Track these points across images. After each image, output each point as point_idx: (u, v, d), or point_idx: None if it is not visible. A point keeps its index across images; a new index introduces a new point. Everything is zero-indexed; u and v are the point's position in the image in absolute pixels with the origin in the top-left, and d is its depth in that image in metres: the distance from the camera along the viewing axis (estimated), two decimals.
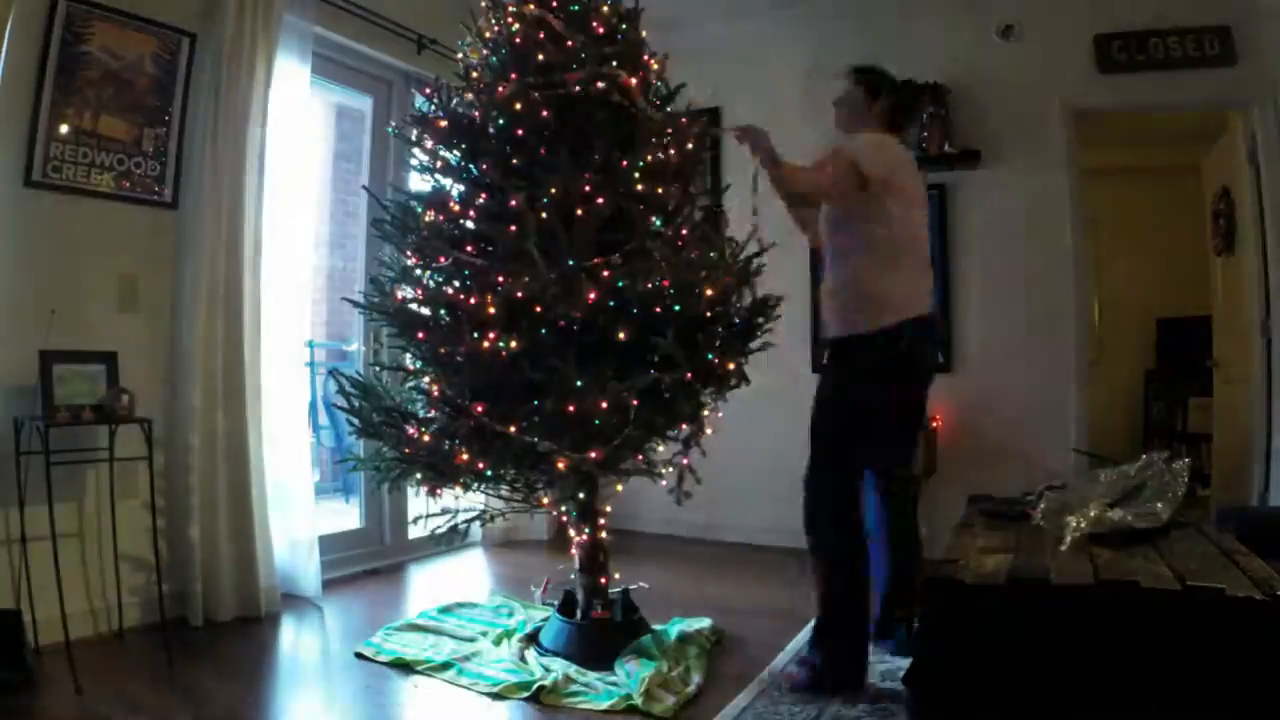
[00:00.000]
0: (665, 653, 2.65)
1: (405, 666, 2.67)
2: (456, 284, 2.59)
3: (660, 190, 2.66)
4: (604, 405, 2.39)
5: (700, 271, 2.61)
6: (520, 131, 2.59)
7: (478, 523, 2.94)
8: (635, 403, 2.42)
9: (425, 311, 2.64)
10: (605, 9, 2.73)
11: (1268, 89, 3.69)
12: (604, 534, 2.85)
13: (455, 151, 2.73)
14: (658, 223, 2.62)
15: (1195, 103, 4.02)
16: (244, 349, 3.16)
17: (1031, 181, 4.07)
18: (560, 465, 2.49)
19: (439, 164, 2.74)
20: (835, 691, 2.34)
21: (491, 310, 2.40)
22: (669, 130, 2.70)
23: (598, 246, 2.49)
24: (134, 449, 2.79)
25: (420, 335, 2.60)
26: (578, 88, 2.54)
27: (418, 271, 2.69)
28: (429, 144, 2.73)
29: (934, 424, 4.06)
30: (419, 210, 2.70)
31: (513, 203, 2.48)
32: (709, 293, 2.58)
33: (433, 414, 2.60)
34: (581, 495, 2.74)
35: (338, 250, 5.57)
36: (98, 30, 2.88)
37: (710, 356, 2.61)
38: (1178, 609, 1.40)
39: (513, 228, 2.44)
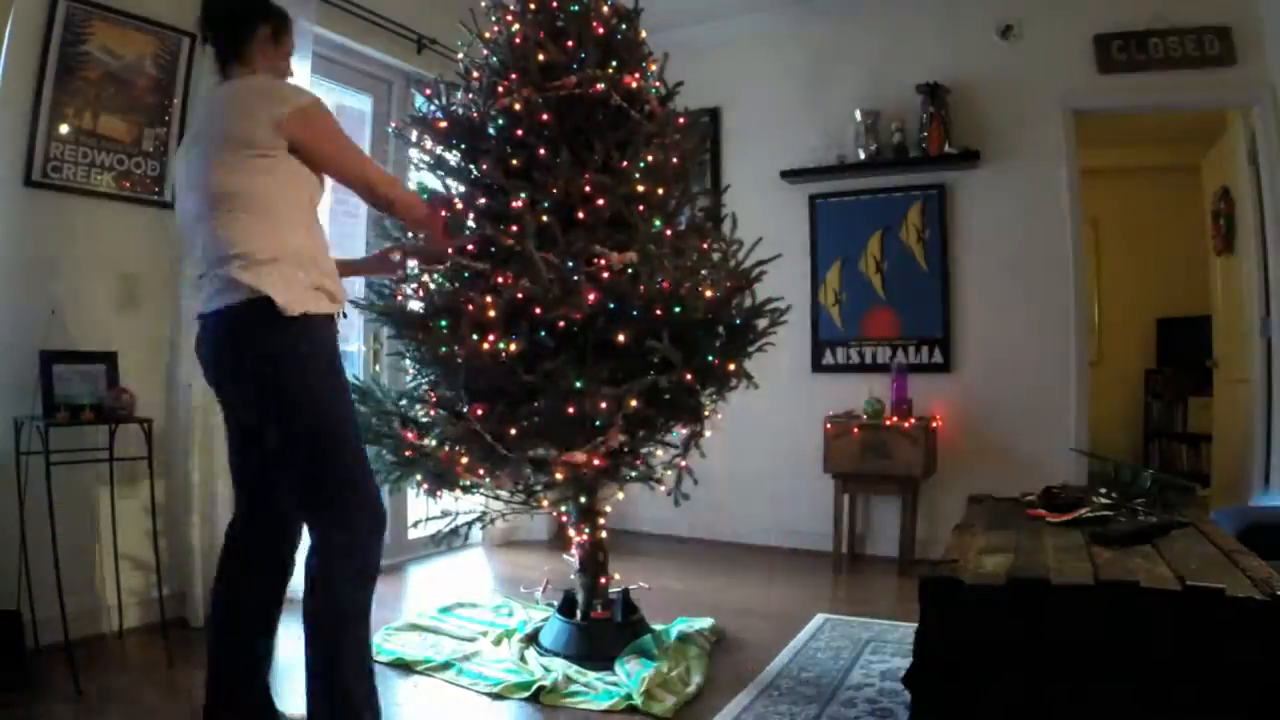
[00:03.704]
0: (665, 653, 2.65)
1: (405, 666, 2.67)
2: (456, 285, 2.59)
3: (660, 191, 2.66)
4: (603, 408, 2.38)
5: (700, 272, 2.61)
6: (520, 132, 2.59)
7: (478, 524, 2.94)
8: (634, 404, 2.42)
9: (422, 309, 2.64)
10: (605, 9, 2.73)
11: (1268, 89, 3.69)
12: (604, 534, 2.85)
13: (455, 152, 2.73)
14: (658, 223, 2.62)
15: (1195, 103, 4.02)
16: None
17: (1031, 181, 4.07)
18: (559, 475, 2.49)
19: (439, 165, 2.74)
20: None
21: (491, 313, 2.40)
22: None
23: (597, 248, 2.49)
24: (134, 449, 2.79)
25: (419, 337, 2.60)
26: (577, 89, 2.54)
27: (417, 271, 2.69)
28: (429, 145, 2.73)
29: (934, 424, 4.06)
30: None
31: (514, 204, 2.48)
32: (708, 294, 2.58)
33: (433, 415, 2.60)
34: (581, 497, 2.74)
35: (337, 250, 5.57)
36: (98, 30, 2.88)
37: (710, 358, 2.61)
38: (1178, 609, 1.40)
39: (513, 228, 2.44)
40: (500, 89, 2.63)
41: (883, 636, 2.91)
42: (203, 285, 1.90)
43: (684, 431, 2.75)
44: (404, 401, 2.76)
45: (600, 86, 2.58)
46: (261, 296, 1.79)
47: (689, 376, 2.48)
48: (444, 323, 2.48)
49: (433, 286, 2.64)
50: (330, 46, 3.77)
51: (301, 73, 3.43)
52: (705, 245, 2.77)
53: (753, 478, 4.49)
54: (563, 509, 2.85)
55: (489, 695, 2.45)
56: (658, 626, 2.88)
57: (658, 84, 2.82)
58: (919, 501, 3.98)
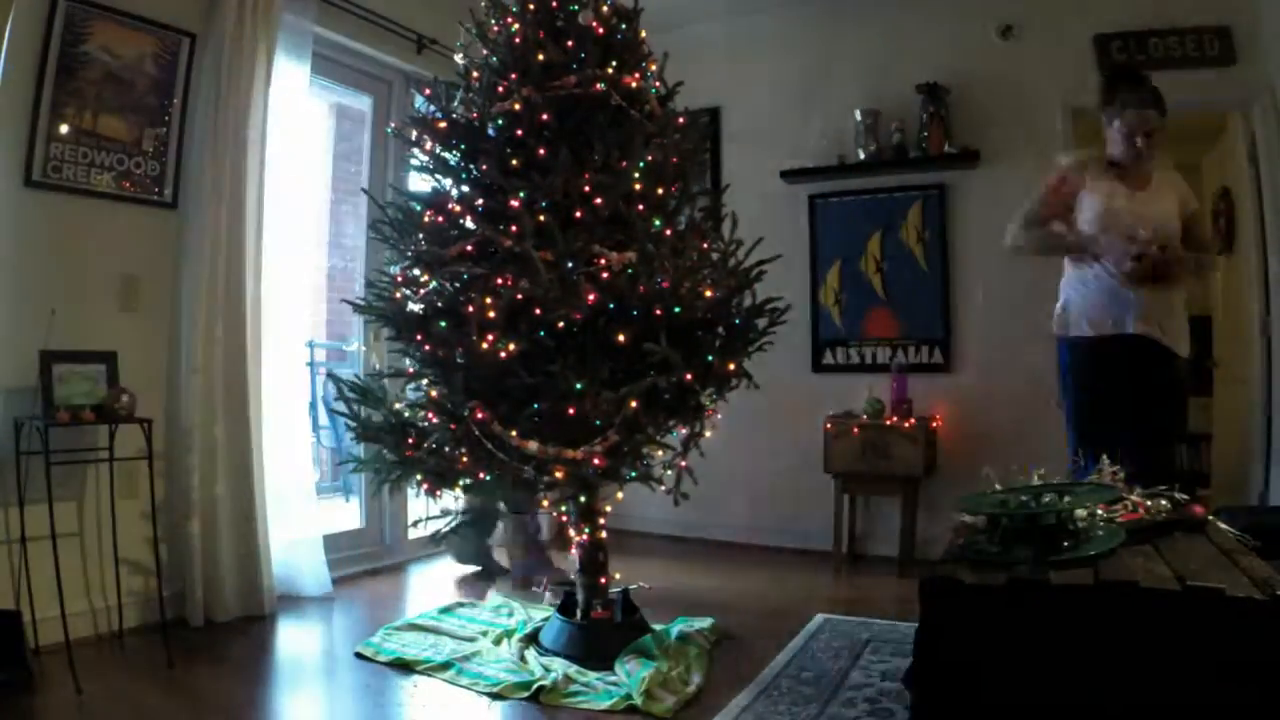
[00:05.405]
0: (665, 653, 2.65)
1: (405, 666, 2.67)
2: (456, 286, 2.59)
3: (660, 190, 2.66)
4: (603, 409, 2.38)
5: (701, 272, 2.61)
6: (519, 132, 2.59)
7: None
8: (634, 404, 2.42)
9: (422, 309, 2.63)
10: (605, 9, 2.73)
11: (1268, 89, 3.69)
12: (604, 534, 2.85)
13: (454, 152, 2.73)
14: (657, 223, 2.62)
15: (1195, 103, 4.01)
16: (244, 348, 3.16)
17: (1032, 181, 4.06)
18: (559, 475, 2.49)
19: (438, 165, 2.74)
20: None
21: (491, 315, 2.40)
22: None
23: (597, 248, 2.49)
24: (134, 449, 2.79)
25: (419, 337, 2.60)
26: (577, 89, 2.54)
27: (416, 272, 2.69)
28: (429, 145, 2.73)
29: (934, 424, 4.06)
30: (418, 210, 2.70)
31: (512, 204, 2.48)
32: (708, 294, 2.58)
33: (433, 419, 2.60)
34: (581, 497, 2.74)
35: (338, 250, 5.57)
36: (98, 30, 2.88)
37: (710, 358, 2.61)
38: (1178, 609, 1.40)
39: (513, 229, 2.44)
40: (500, 89, 2.63)
41: (882, 636, 2.91)
42: None
43: (683, 431, 2.75)
44: (402, 404, 2.75)
45: (600, 86, 2.58)
46: None
47: (689, 377, 2.48)
48: (444, 324, 2.48)
49: (432, 287, 2.64)
50: (330, 46, 3.77)
51: (301, 73, 3.43)
52: (705, 245, 2.77)
53: (753, 478, 4.49)
54: (563, 509, 2.85)
55: (489, 695, 2.45)
56: (658, 626, 2.88)
57: (658, 84, 2.82)
58: (919, 501, 3.98)
